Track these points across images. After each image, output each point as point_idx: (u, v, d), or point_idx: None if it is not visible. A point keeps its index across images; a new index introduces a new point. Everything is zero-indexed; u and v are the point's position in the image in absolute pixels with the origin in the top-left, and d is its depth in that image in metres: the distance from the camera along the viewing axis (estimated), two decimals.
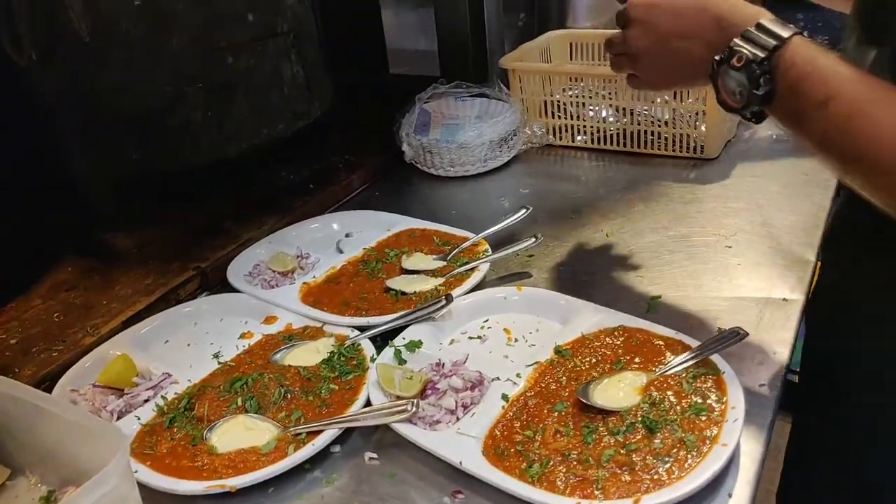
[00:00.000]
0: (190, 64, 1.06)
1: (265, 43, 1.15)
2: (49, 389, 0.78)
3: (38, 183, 1.12)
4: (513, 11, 1.80)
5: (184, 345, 0.88)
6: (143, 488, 0.63)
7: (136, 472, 0.64)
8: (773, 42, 0.62)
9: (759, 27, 0.63)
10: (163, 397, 0.76)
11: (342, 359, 0.79)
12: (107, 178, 1.11)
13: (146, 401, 0.77)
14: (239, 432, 0.71)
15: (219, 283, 1.00)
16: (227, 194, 1.19)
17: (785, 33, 0.62)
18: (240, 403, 0.74)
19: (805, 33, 0.63)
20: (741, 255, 0.94)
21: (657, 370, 0.72)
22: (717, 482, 0.61)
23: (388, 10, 1.96)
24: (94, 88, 1.03)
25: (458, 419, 0.70)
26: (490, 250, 0.97)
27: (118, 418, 0.75)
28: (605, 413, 0.68)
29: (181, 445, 0.70)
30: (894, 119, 0.57)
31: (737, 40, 0.64)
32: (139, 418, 0.74)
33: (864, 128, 0.58)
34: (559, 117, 1.31)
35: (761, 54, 0.62)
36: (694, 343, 0.75)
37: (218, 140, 1.12)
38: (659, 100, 1.23)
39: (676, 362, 0.72)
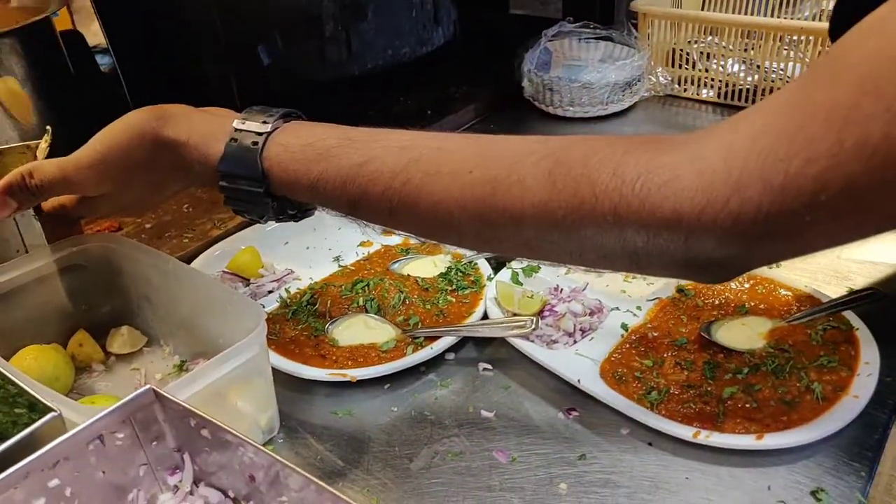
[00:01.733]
0: None
1: None
2: None
3: (170, 91, 1.17)
4: None
5: (303, 247, 0.90)
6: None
7: None
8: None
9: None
10: (286, 290, 0.79)
11: (459, 274, 0.80)
12: (236, 87, 1.14)
13: (270, 292, 0.80)
14: (360, 329, 0.73)
15: None
16: (348, 113, 1.20)
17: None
18: (360, 303, 0.76)
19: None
20: None
21: (785, 319, 0.70)
22: (846, 435, 0.59)
23: None
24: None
25: (575, 342, 0.70)
26: None
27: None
28: (727, 352, 0.67)
29: (304, 335, 0.73)
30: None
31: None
32: (264, 306, 0.77)
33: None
34: (686, 68, 1.27)
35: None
36: (823, 297, 0.72)
37: (345, 57, 1.13)
38: (793, 53, 1.16)
39: (805, 312, 0.69)
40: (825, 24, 1.20)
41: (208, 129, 0.56)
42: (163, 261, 0.71)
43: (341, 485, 0.60)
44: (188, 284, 0.69)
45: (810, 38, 1.14)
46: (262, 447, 0.42)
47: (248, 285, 0.81)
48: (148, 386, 0.46)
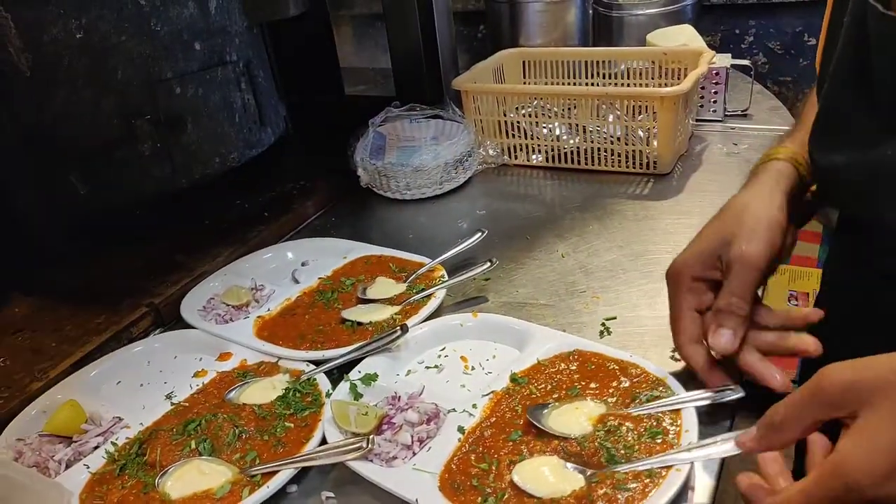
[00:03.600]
0: (136, 96, 1.05)
1: (214, 72, 1.14)
2: None
3: None
4: (470, 25, 1.81)
5: (136, 385, 0.86)
6: None
7: None
8: None
9: None
10: (113, 443, 0.75)
11: (297, 395, 0.79)
12: (53, 215, 1.08)
13: (96, 447, 0.75)
14: (193, 477, 0.69)
15: (173, 320, 0.98)
16: (179, 227, 1.17)
17: None
18: (193, 446, 0.72)
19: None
20: None
21: (612, 399, 0.72)
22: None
23: (346, 28, 1.96)
24: (38, 123, 1.01)
25: (414, 454, 0.69)
26: (446, 276, 0.97)
27: (67, 467, 0.73)
28: (560, 440, 0.68)
29: (133, 494, 0.68)
30: None
31: None
32: (88, 466, 0.72)
33: None
34: (514, 136, 1.32)
35: None
36: (649, 366, 0.76)
37: (168, 172, 1.11)
38: (612, 117, 1.24)
39: (646, 406, 0.71)
40: (629, 90, 1.29)
41: None
42: None
43: None
44: None
45: (616, 102, 1.22)
46: None
47: (70, 444, 0.76)
48: None
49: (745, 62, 1.38)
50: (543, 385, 0.76)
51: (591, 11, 1.65)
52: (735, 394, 0.70)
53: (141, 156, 1.07)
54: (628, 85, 1.41)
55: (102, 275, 1.07)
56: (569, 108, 1.27)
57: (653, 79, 1.38)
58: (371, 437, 0.69)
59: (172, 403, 0.80)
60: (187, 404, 0.80)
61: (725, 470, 0.67)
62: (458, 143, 1.26)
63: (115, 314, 0.97)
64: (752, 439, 0.57)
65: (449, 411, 0.74)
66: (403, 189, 1.24)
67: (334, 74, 1.63)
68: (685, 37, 1.41)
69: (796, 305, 2.09)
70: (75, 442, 0.76)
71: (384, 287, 0.97)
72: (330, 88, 1.63)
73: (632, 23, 1.60)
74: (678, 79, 1.33)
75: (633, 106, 1.21)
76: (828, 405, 0.51)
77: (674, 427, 0.68)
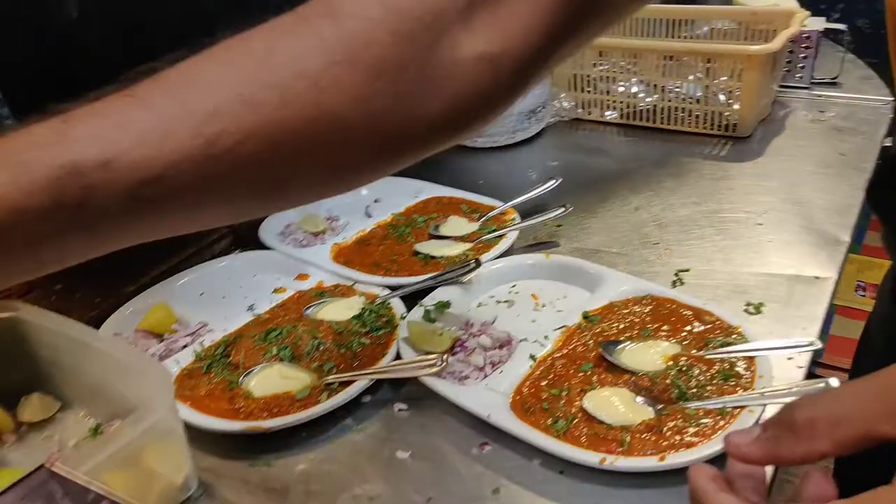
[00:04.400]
0: None
1: None
2: None
3: None
4: None
5: (219, 297, 0.90)
6: (185, 426, 0.65)
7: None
8: None
9: None
10: (200, 344, 0.79)
11: (373, 315, 0.81)
12: None
13: (184, 346, 0.79)
14: (274, 379, 0.73)
15: (251, 242, 1.02)
16: None
17: None
18: (274, 352, 0.76)
19: None
20: (772, 233, 0.95)
21: (685, 343, 0.73)
22: None
23: None
24: None
25: (486, 376, 0.72)
26: (518, 218, 0.99)
27: (159, 362, 0.77)
28: (631, 375, 0.69)
29: (219, 389, 0.73)
30: None
31: None
32: (178, 362, 0.76)
33: None
34: (589, 91, 1.32)
35: None
36: (724, 314, 0.76)
37: None
38: (691, 76, 1.22)
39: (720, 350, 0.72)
40: (716, 46, 1.27)
41: None
42: (67, 326, 0.70)
43: None
44: (94, 349, 0.68)
45: (699, 59, 1.20)
46: None
47: (162, 342, 0.80)
48: (41, 464, 0.46)
49: (841, 26, 1.34)
50: (616, 324, 0.77)
51: None
52: (813, 346, 0.70)
53: None
54: None
55: None
56: (646, 67, 1.25)
57: (738, 41, 1.35)
58: (446, 355, 0.71)
59: (254, 314, 0.84)
60: (268, 316, 0.84)
61: None
62: (532, 93, 1.26)
63: (197, 232, 1.01)
64: (752, 442, 0.39)
65: (521, 340, 0.76)
66: (475, 136, 1.25)
67: None
68: None
69: (863, 296, 2.03)
70: (166, 340, 0.80)
71: (456, 225, 0.99)
72: None
73: None
74: (764, 42, 1.30)
75: (716, 67, 1.19)
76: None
77: (747, 372, 0.69)
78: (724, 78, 1.19)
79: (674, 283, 0.87)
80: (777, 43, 1.13)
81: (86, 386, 0.72)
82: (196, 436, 0.67)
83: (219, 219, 0.46)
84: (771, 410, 0.66)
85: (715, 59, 1.19)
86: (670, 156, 1.18)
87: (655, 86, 1.26)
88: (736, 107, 1.19)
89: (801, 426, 0.36)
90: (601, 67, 1.30)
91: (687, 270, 0.89)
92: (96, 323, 0.83)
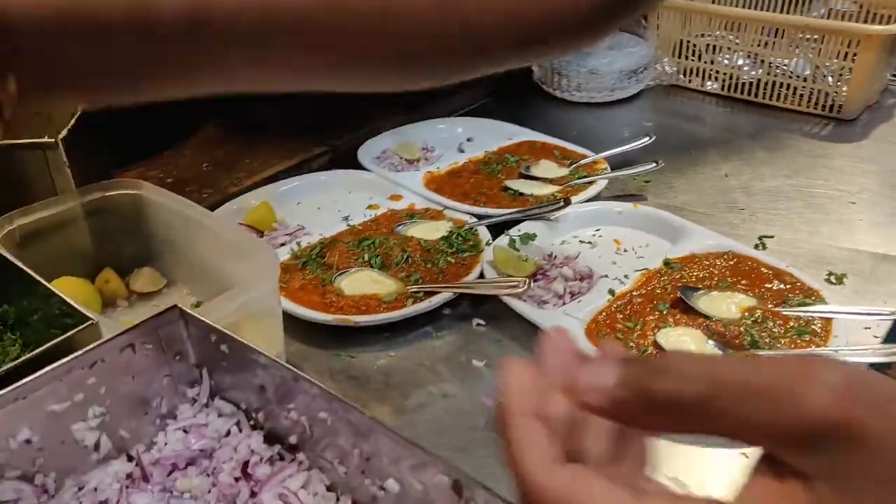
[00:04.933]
0: None
1: None
2: None
3: None
4: None
5: (315, 208, 0.96)
6: None
7: None
8: None
9: None
10: (297, 244, 0.85)
11: (460, 238, 0.85)
12: None
13: (282, 244, 0.85)
14: (364, 282, 0.78)
15: (348, 162, 1.07)
16: None
17: None
18: (366, 259, 0.81)
19: None
20: (864, 213, 0.94)
21: (764, 297, 0.74)
22: None
23: None
24: None
25: (564, 304, 0.75)
26: (609, 169, 1.00)
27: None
28: (706, 319, 0.71)
29: (312, 284, 0.78)
30: None
31: None
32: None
33: None
34: (692, 59, 1.31)
35: None
36: (804, 277, 0.77)
37: None
38: (802, 53, 1.20)
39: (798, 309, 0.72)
40: (833, 22, 1.24)
41: None
42: (186, 206, 0.76)
43: None
44: (209, 230, 0.74)
45: (816, 36, 1.18)
46: (276, 359, 0.47)
47: (262, 237, 0.86)
48: (175, 304, 0.51)
49: None
50: (696, 273, 0.78)
51: None
52: (894, 315, 0.71)
53: None
54: None
55: (289, 113, 1.16)
56: (755, 42, 1.24)
57: (856, 22, 1.31)
58: (529, 279, 0.75)
59: (348, 224, 0.89)
60: (361, 227, 0.88)
61: None
62: (636, 54, 1.26)
63: (300, 146, 1.07)
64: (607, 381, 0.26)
65: (601, 276, 0.78)
66: (573, 90, 1.27)
67: None
68: None
69: None
70: (266, 236, 0.86)
71: (547, 168, 1.02)
72: None
73: None
74: (882, 24, 1.26)
75: (829, 48, 1.16)
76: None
77: (823, 331, 0.70)
78: (836, 60, 1.16)
79: (756, 247, 0.87)
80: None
81: (193, 265, 0.78)
82: (287, 323, 0.73)
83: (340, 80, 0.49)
84: None
85: (829, 36, 1.16)
86: (767, 130, 1.17)
87: (762, 60, 1.24)
88: (844, 89, 1.17)
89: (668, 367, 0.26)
90: (708, 36, 1.28)
91: (771, 237, 0.89)
92: None
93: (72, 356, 0.47)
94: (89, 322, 0.50)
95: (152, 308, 0.79)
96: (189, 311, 0.51)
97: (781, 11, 1.37)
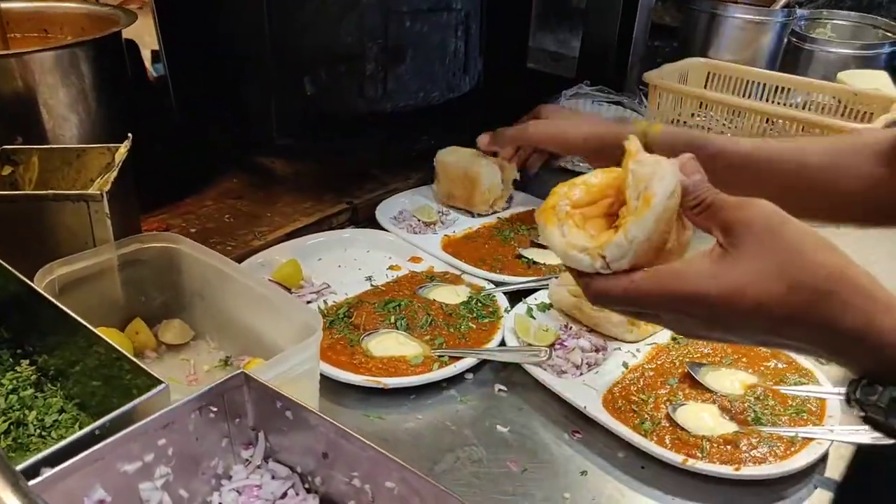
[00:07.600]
0: (372, 20, 1.18)
1: (440, 15, 1.26)
2: None
3: (213, 105, 1.27)
4: (662, 39, 1.89)
5: (335, 266, 0.99)
6: None
7: None
8: None
9: None
10: (324, 302, 0.88)
11: (479, 304, 0.90)
12: (278, 110, 1.23)
13: (309, 302, 0.88)
14: (392, 343, 0.82)
15: (366, 221, 1.11)
16: (377, 145, 1.30)
17: None
18: (392, 321, 0.85)
19: None
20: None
21: (764, 374, 0.80)
22: (808, 472, 0.69)
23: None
24: (282, 30, 1.16)
25: (581, 374, 0.79)
26: None
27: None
28: (713, 394, 0.76)
29: (340, 344, 0.81)
30: None
31: None
32: None
33: None
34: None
35: None
36: (799, 358, 0.82)
37: (379, 94, 1.23)
38: (777, 135, 1.29)
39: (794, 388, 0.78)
40: (810, 115, 1.33)
41: None
42: (222, 262, 0.79)
43: None
44: (244, 285, 0.76)
45: (794, 125, 1.27)
46: (343, 427, 0.51)
47: (290, 293, 0.89)
48: (240, 370, 0.55)
49: None
50: (702, 348, 0.84)
51: (785, 40, 1.68)
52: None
53: (363, 74, 1.20)
54: None
55: (310, 171, 1.21)
56: (744, 125, 1.32)
57: (832, 116, 1.41)
58: (549, 349, 0.79)
59: (372, 285, 0.93)
60: (385, 288, 0.92)
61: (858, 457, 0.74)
62: None
63: (319, 203, 1.11)
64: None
65: (615, 349, 0.83)
66: (577, 160, 1.33)
67: (523, 46, 1.73)
68: (879, 83, 1.43)
69: None
70: (293, 293, 0.89)
71: None
72: (516, 58, 1.73)
73: (822, 59, 1.62)
74: (860, 122, 1.35)
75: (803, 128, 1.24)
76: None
77: (818, 410, 0.75)
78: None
79: None
80: (876, 125, 1.19)
81: (223, 319, 0.81)
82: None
83: None
84: (835, 449, 0.72)
85: (812, 130, 1.25)
86: None
87: None
88: None
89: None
90: (699, 118, 1.37)
91: None
92: None
93: (148, 418, 0.49)
94: (163, 386, 0.52)
95: (180, 361, 0.82)
96: (254, 376, 0.54)
97: (762, 98, 1.46)
